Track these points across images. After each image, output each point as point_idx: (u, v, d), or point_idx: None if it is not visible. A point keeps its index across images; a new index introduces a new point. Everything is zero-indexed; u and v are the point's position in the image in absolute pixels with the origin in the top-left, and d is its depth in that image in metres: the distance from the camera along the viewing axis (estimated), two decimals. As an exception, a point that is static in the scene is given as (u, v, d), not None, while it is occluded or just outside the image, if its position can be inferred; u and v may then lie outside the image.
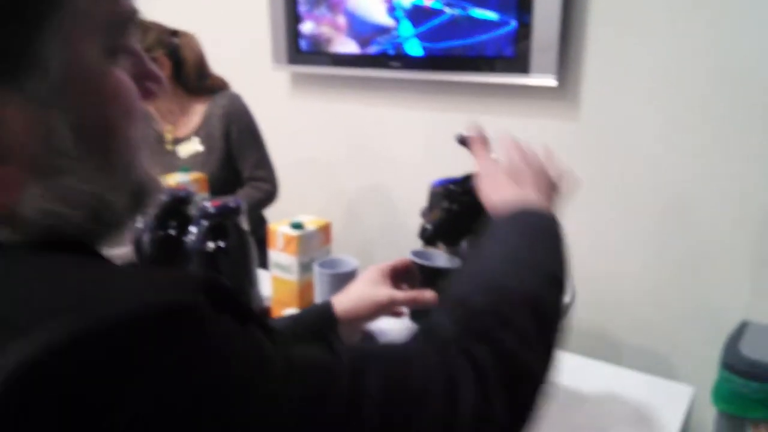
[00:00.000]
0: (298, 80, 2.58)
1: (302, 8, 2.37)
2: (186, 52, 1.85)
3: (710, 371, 1.74)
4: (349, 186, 2.54)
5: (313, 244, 1.19)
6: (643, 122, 1.85)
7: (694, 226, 1.83)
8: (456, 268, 0.83)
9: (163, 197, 1.37)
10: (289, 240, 1.15)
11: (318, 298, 1.14)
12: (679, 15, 1.74)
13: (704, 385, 1.80)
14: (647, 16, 1.78)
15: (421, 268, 0.92)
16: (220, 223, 1.30)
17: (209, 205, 1.28)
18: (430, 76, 2.14)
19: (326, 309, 0.84)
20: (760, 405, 1.62)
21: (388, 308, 0.85)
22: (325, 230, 1.20)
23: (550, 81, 1.87)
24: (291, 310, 1.15)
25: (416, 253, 0.97)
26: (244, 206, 1.32)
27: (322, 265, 1.10)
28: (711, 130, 1.75)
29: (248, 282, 1.35)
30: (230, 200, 1.32)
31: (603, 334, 2.05)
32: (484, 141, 0.80)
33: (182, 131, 1.90)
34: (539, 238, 0.62)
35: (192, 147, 1.89)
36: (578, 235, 2.06)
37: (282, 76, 2.59)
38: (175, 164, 1.87)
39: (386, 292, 0.84)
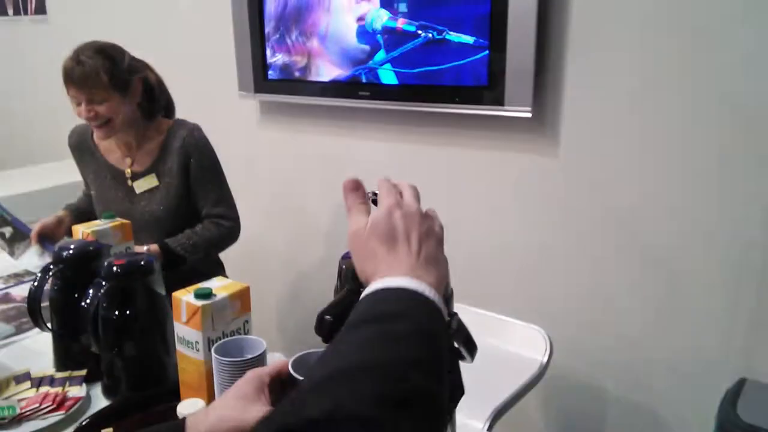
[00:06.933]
0: (266, 109, 2.43)
1: (272, 35, 2.22)
2: (150, 76, 1.73)
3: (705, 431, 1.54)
4: (321, 221, 2.37)
5: (225, 315, 1.00)
6: (628, 160, 1.67)
7: (687, 273, 1.64)
8: None
9: (68, 251, 1.20)
10: (193, 311, 0.97)
11: (216, 390, 0.95)
12: (657, 45, 1.57)
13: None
14: (626, 46, 1.61)
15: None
16: (128, 285, 1.13)
17: (113, 263, 1.11)
18: (403, 106, 1.98)
19: None
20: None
21: None
22: (240, 297, 1.02)
23: (525, 112, 1.70)
24: (198, 401, 0.96)
25: (300, 360, 0.70)
26: (156, 265, 1.15)
27: (222, 348, 0.91)
28: (703, 169, 1.57)
29: (164, 352, 1.18)
30: (140, 257, 1.15)
31: (589, 387, 1.85)
32: (357, 191, 0.62)
33: (139, 165, 1.76)
34: (388, 338, 0.47)
35: (148, 183, 1.75)
36: (554, 276, 1.87)
37: (250, 104, 2.44)
38: (132, 200, 1.74)
39: (255, 413, 0.61)
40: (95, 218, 1.60)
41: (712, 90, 1.52)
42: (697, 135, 1.57)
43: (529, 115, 1.71)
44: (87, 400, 1.13)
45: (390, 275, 0.54)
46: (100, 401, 1.14)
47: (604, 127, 1.69)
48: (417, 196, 0.63)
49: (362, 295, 0.54)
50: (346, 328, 0.50)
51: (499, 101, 1.75)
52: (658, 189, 1.64)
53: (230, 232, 1.80)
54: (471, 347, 0.81)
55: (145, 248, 1.54)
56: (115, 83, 1.60)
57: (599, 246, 1.76)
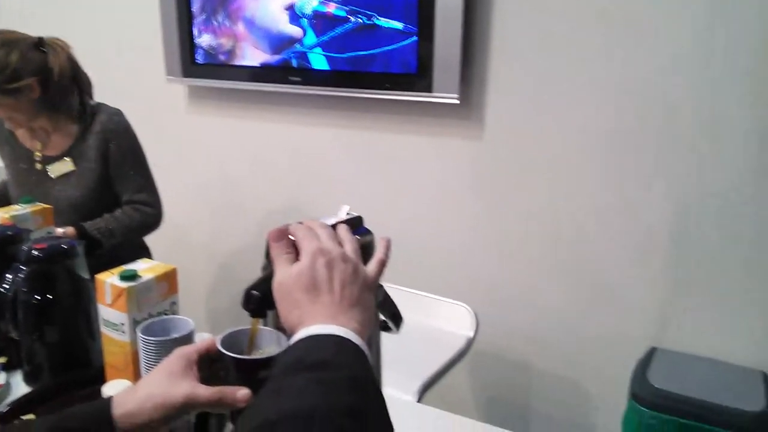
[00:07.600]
0: (195, 94, 2.38)
1: (198, 17, 2.18)
2: (53, 64, 1.62)
3: (621, 398, 1.65)
4: (249, 202, 2.35)
5: (152, 297, 0.99)
6: (548, 143, 1.75)
7: (602, 251, 1.75)
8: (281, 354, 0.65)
9: (-16, 237, 1.16)
10: (118, 293, 0.95)
11: (143, 371, 0.95)
12: (578, 37, 1.65)
13: (615, 412, 1.71)
14: (552, 36, 1.69)
15: (234, 361, 0.65)
16: (49, 269, 1.10)
17: (33, 247, 1.08)
18: (334, 92, 1.99)
19: (101, 412, 0.61)
20: (671, 438, 1.53)
21: (187, 410, 0.63)
22: (167, 279, 1.01)
23: (453, 98, 1.75)
24: (123, 381, 0.96)
25: (229, 337, 0.68)
26: (79, 249, 1.12)
27: (149, 328, 0.91)
28: (616, 152, 1.67)
29: (88, 336, 1.15)
30: (62, 241, 1.12)
31: (513, 360, 1.93)
32: (281, 240, 0.62)
33: (53, 149, 1.69)
34: (310, 386, 0.49)
35: (63, 167, 1.69)
36: (481, 256, 1.95)
37: (178, 89, 2.39)
38: (47, 185, 1.68)
39: (183, 390, 0.62)
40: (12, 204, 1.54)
41: (627, 83, 1.62)
42: (609, 122, 1.66)
43: (457, 101, 1.76)
44: (7, 387, 1.09)
45: (314, 324, 0.55)
46: (20, 389, 1.10)
47: (526, 113, 1.77)
48: (333, 236, 0.64)
49: (290, 342, 0.55)
50: (276, 375, 0.51)
51: (428, 88, 1.79)
52: (574, 172, 1.73)
53: (153, 218, 1.77)
54: (397, 319, 0.84)
55: (61, 231, 1.50)
56: (2, 92, 1.53)
57: (522, 226, 1.84)
